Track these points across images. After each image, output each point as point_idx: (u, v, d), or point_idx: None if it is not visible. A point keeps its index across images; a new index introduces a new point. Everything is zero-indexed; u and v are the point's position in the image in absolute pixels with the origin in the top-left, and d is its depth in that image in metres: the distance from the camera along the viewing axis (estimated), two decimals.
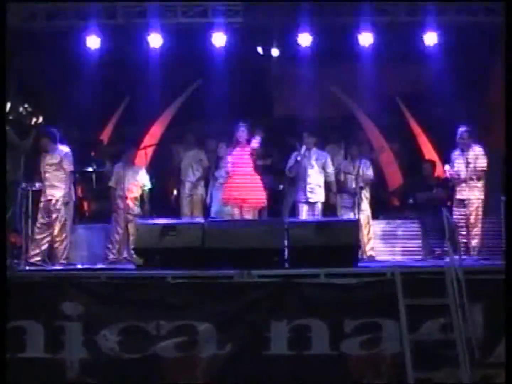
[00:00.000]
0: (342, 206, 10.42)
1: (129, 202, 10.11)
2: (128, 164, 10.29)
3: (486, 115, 10.70)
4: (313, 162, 10.09)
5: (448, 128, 10.22)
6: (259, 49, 11.55)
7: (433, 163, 11.42)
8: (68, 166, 9.40)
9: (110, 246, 10.10)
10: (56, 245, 9.30)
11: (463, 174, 9.48)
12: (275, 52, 11.56)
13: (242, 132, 9.62)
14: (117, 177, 10.22)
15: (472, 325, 6.84)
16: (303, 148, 10.05)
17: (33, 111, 8.66)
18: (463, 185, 9.50)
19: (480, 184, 9.46)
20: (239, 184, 9.58)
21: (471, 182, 9.43)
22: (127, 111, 12.76)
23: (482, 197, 9.44)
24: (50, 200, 9.26)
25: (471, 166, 9.44)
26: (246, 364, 7.07)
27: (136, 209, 10.17)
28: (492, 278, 7.07)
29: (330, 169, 10.21)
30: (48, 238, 9.30)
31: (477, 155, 9.46)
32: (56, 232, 9.27)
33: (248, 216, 9.46)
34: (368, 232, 10.25)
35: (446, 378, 6.81)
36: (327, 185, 10.17)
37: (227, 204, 9.84)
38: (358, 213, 9.96)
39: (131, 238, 9.85)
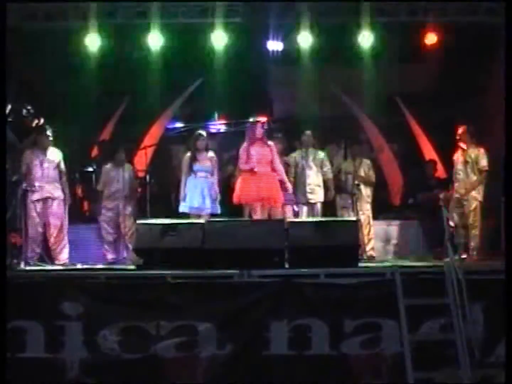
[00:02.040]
0: (343, 206, 10.41)
1: (119, 202, 10.07)
2: (118, 164, 10.22)
3: (486, 115, 10.69)
4: (311, 163, 10.08)
5: (448, 128, 10.23)
6: (268, 44, 11.41)
7: (433, 163, 11.43)
8: (64, 166, 9.46)
9: (106, 247, 10.10)
10: (54, 245, 9.30)
11: (462, 174, 9.48)
12: (275, 51, 11.56)
13: (260, 129, 9.45)
14: (105, 178, 10.15)
15: (472, 325, 6.83)
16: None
17: (35, 112, 8.68)
18: (462, 184, 9.50)
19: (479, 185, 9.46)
20: (265, 182, 9.24)
21: (470, 182, 9.42)
22: (127, 111, 12.76)
23: (480, 198, 9.43)
24: (46, 198, 9.26)
25: (470, 165, 9.43)
26: (246, 364, 7.06)
27: (128, 209, 10.09)
28: (492, 278, 7.07)
29: (327, 167, 10.19)
30: (45, 238, 9.30)
31: (478, 155, 9.45)
32: (52, 231, 9.27)
33: (265, 215, 9.30)
34: (369, 232, 10.24)
35: (446, 378, 6.79)
36: (326, 184, 10.16)
37: (248, 202, 9.39)
38: (357, 213, 9.96)
39: (126, 237, 9.86)
